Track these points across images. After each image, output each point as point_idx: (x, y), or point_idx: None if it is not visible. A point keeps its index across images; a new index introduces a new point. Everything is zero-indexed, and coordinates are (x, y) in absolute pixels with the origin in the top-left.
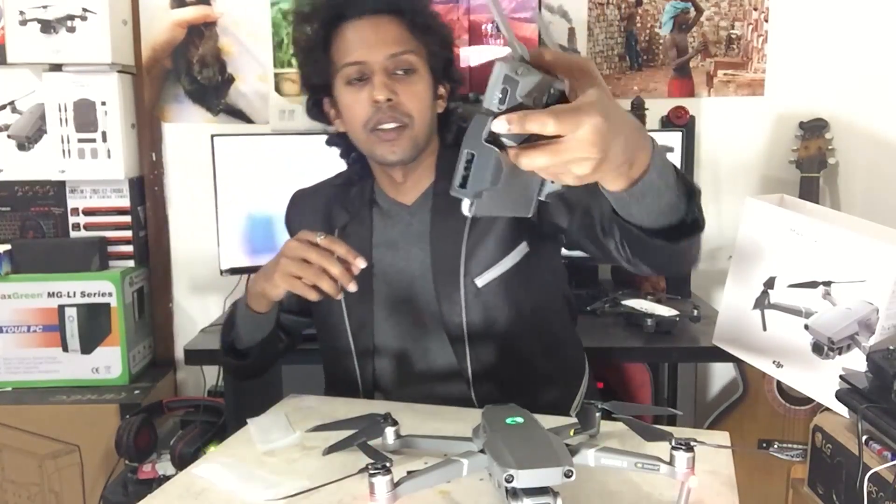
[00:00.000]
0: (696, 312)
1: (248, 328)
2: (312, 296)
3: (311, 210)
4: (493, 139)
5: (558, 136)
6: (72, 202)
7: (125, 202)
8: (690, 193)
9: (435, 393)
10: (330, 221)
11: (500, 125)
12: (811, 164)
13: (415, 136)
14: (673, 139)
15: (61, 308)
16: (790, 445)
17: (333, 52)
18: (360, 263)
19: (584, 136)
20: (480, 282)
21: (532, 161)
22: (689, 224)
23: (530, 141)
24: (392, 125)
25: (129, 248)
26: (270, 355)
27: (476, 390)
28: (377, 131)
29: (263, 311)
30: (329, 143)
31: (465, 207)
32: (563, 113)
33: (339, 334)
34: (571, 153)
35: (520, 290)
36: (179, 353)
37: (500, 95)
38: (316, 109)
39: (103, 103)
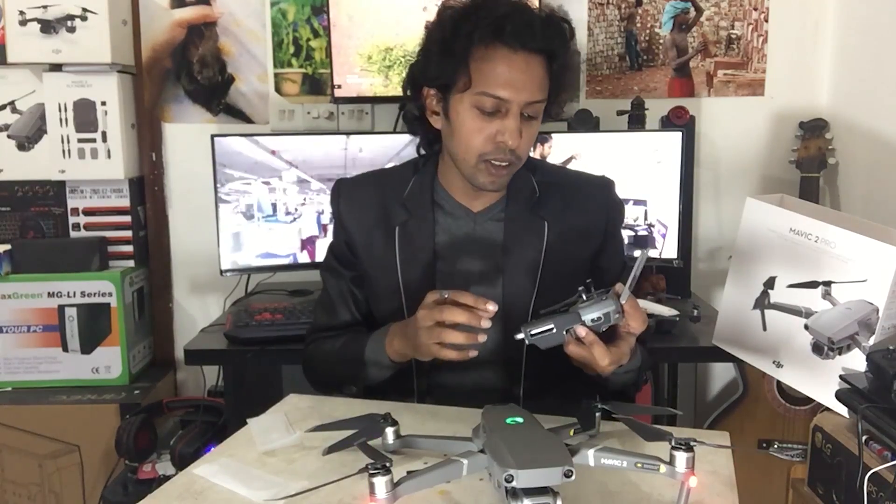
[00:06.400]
0: (696, 312)
1: (383, 373)
2: (454, 355)
3: (363, 204)
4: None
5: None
6: (72, 202)
7: (125, 202)
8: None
9: (482, 385)
10: (387, 218)
11: (580, 331)
12: (811, 164)
13: (516, 170)
14: (673, 139)
15: (61, 308)
16: (790, 445)
17: (473, 69)
18: (490, 308)
19: (619, 357)
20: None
21: (576, 351)
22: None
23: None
24: (505, 163)
25: (129, 248)
26: None
27: (525, 386)
28: (489, 163)
29: (404, 362)
30: (407, 120)
31: (521, 336)
32: (609, 353)
33: None
34: (603, 360)
35: None
36: (179, 353)
37: (594, 318)
38: (415, 92)
39: (103, 103)
